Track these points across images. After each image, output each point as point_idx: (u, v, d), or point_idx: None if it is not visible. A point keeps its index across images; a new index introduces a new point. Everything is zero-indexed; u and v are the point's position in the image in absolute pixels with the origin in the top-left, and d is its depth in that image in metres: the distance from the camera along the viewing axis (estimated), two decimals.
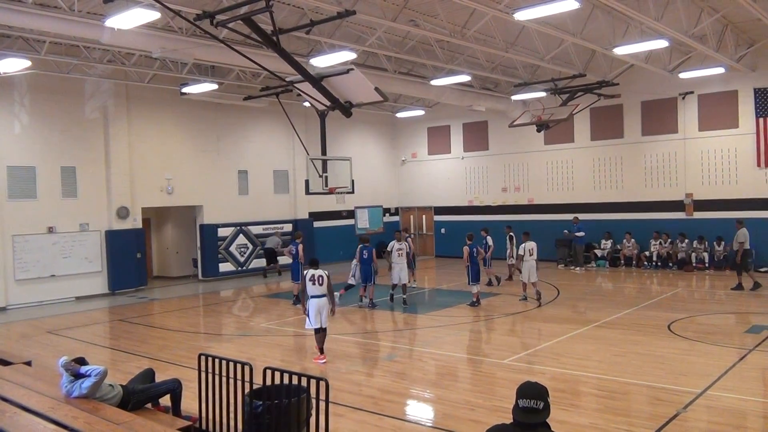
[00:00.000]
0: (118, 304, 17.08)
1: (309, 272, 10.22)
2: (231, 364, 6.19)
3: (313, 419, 5.74)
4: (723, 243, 18.96)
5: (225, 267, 21.72)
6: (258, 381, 6.11)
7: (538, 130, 19.92)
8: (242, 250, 22.18)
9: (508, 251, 18.99)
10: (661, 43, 14.55)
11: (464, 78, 18.39)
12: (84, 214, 18.25)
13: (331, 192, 13.41)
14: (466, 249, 14.64)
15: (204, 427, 6.41)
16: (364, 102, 11.88)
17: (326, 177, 13.08)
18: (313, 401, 5.71)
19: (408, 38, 15.75)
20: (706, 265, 19.50)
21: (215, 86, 18.28)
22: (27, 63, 14.28)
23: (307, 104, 18.16)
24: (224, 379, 6.21)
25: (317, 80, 11.22)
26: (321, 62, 14.31)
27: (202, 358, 6.51)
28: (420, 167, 27.41)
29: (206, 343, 12.21)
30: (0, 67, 14.31)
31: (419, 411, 8.13)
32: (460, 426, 7.13)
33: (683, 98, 20.15)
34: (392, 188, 27.87)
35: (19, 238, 16.85)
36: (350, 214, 25.19)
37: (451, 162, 26.26)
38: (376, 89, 11.12)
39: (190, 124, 20.92)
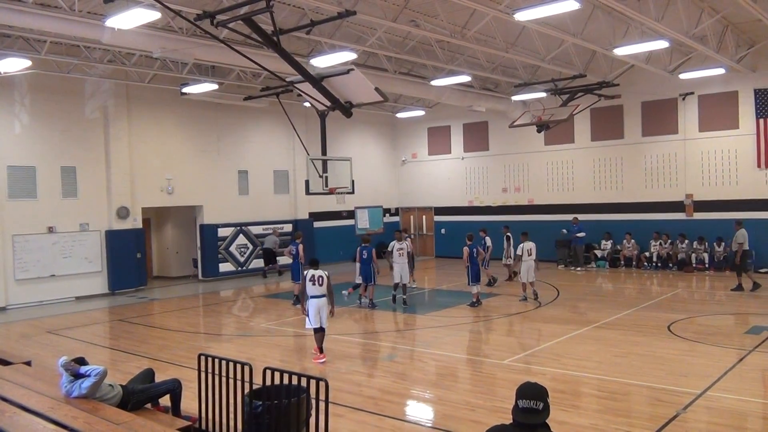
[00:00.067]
0: (118, 304, 17.08)
1: (309, 272, 10.24)
2: (231, 365, 6.19)
3: (312, 419, 5.74)
4: (723, 244, 18.95)
5: (225, 267, 21.73)
6: (258, 381, 6.11)
7: (539, 131, 19.91)
8: (242, 250, 22.18)
9: (505, 251, 18.98)
10: (662, 44, 14.55)
11: (464, 78, 18.39)
12: (84, 214, 18.25)
13: (331, 192, 13.40)
14: (465, 249, 14.65)
15: (203, 427, 6.41)
16: (364, 102, 11.88)
17: (326, 177, 13.08)
18: (313, 401, 5.70)
19: (408, 38, 15.75)
20: (706, 265, 19.50)
21: (215, 86, 18.28)
22: (27, 63, 14.28)
23: (307, 104, 18.16)
24: (224, 380, 6.21)
25: (317, 80, 11.22)
26: (321, 62, 14.31)
27: (202, 358, 6.51)
28: (420, 167, 27.41)
29: (206, 343, 12.21)
30: (0, 67, 14.32)
31: (419, 411, 8.13)
32: (460, 426, 7.13)
33: (683, 99, 20.15)
34: (392, 188, 27.87)
35: (19, 238, 16.85)
36: (350, 214, 25.18)
37: (452, 162, 26.26)
38: (377, 89, 11.11)
39: (190, 124, 20.92)
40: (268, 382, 5.94)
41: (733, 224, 16.35)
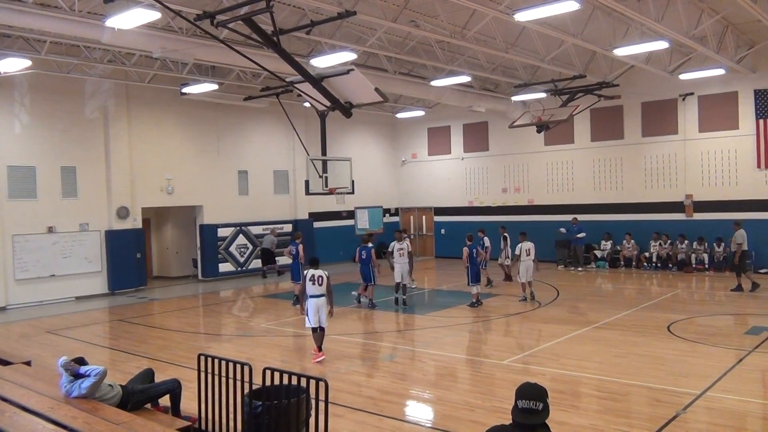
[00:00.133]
0: (117, 304, 17.07)
1: (309, 272, 10.26)
2: (230, 365, 6.19)
3: (312, 420, 5.74)
4: (723, 244, 18.95)
5: (225, 267, 21.72)
6: (257, 381, 6.11)
7: (538, 131, 19.92)
8: (242, 250, 22.18)
9: (502, 252, 18.96)
10: (662, 45, 14.55)
11: (464, 79, 18.39)
12: (84, 214, 18.25)
13: (331, 192, 13.40)
14: (465, 250, 14.66)
15: (203, 427, 6.41)
16: (364, 102, 11.88)
17: (326, 177, 13.08)
18: (313, 402, 5.71)
19: (408, 39, 15.75)
20: (706, 266, 19.50)
21: (215, 86, 18.28)
22: (27, 63, 14.29)
23: (307, 105, 18.17)
24: (224, 380, 6.21)
25: (317, 81, 11.22)
26: (321, 63, 14.32)
27: (202, 358, 6.51)
28: (420, 168, 27.41)
29: (206, 343, 12.22)
30: (0, 67, 14.32)
31: (419, 412, 8.13)
32: (459, 427, 7.13)
33: (683, 99, 20.15)
34: (392, 189, 27.87)
35: (19, 237, 16.85)
36: (350, 214, 25.18)
37: (451, 163, 26.27)
38: (377, 90, 11.11)
39: (190, 125, 20.92)
40: (268, 383, 5.95)
41: (732, 225, 16.35)
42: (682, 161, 20.38)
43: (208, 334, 13.31)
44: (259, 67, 11.58)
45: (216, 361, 6.32)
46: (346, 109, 11.60)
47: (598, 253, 21.62)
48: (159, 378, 6.96)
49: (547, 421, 3.30)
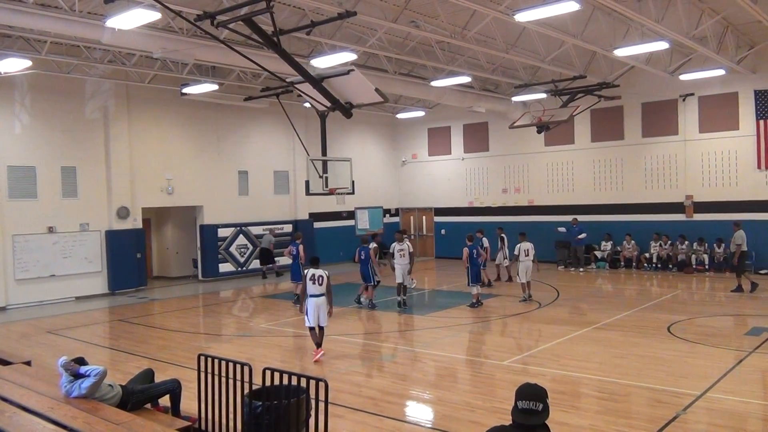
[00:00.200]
0: (117, 304, 17.07)
1: (309, 271, 10.26)
2: (230, 365, 6.19)
3: (312, 420, 5.73)
4: (723, 245, 18.95)
5: (225, 267, 21.73)
6: (257, 381, 6.11)
7: (539, 132, 19.91)
8: (242, 250, 22.18)
9: (499, 253, 18.95)
10: (662, 45, 14.56)
11: (465, 79, 18.39)
12: (84, 214, 18.26)
13: (331, 193, 13.41)
14: (465, 250, 14.66)
15: (203, 427, 6.41)
16: (364, 103, 11.89)
17: (326, 178, 13.09)
18: (313, 402, 5.71)
19: (408, 39, 15.75)
20: (706, 267, 19.49)
21: (216, 87, 18.29)
22: (28, 63, 14.29)
23: (307, 105, 18.17)
24: (224, 380, 6.21)
25: (318, 81, 11.23)
26: (321, 63, 14.32)
27: (202, 358, 6.51)
28: (420, 168, 27.41)
29: (206, 343, 12.21)
30: (0, 67, 14.32)
31: (419, 412, 8.13)
32: (459, 427, 7.13)
33: (684, 100, 20.16)
34: (392, 189, 27.87)
35: (19, 237, 16.85)
36: (350, 214, 25.17)
37: (452, 163, 26.27)
38: (377, 90, 11.13)
39: (190, 125, 20.92)
40: (268, 383, 5.95)
41: (732, 225, 16.34)
42: (683, 162, 20.38)
43: (208, 335, 13.31)
44: (260, 67, 11.59)
45: (216, 361, 6.32)
46: (347, 110, 11.61)
47: (598, 254, 21.62)
48: (159, 378, 6.95)
49: (547, 422, 3.29)
